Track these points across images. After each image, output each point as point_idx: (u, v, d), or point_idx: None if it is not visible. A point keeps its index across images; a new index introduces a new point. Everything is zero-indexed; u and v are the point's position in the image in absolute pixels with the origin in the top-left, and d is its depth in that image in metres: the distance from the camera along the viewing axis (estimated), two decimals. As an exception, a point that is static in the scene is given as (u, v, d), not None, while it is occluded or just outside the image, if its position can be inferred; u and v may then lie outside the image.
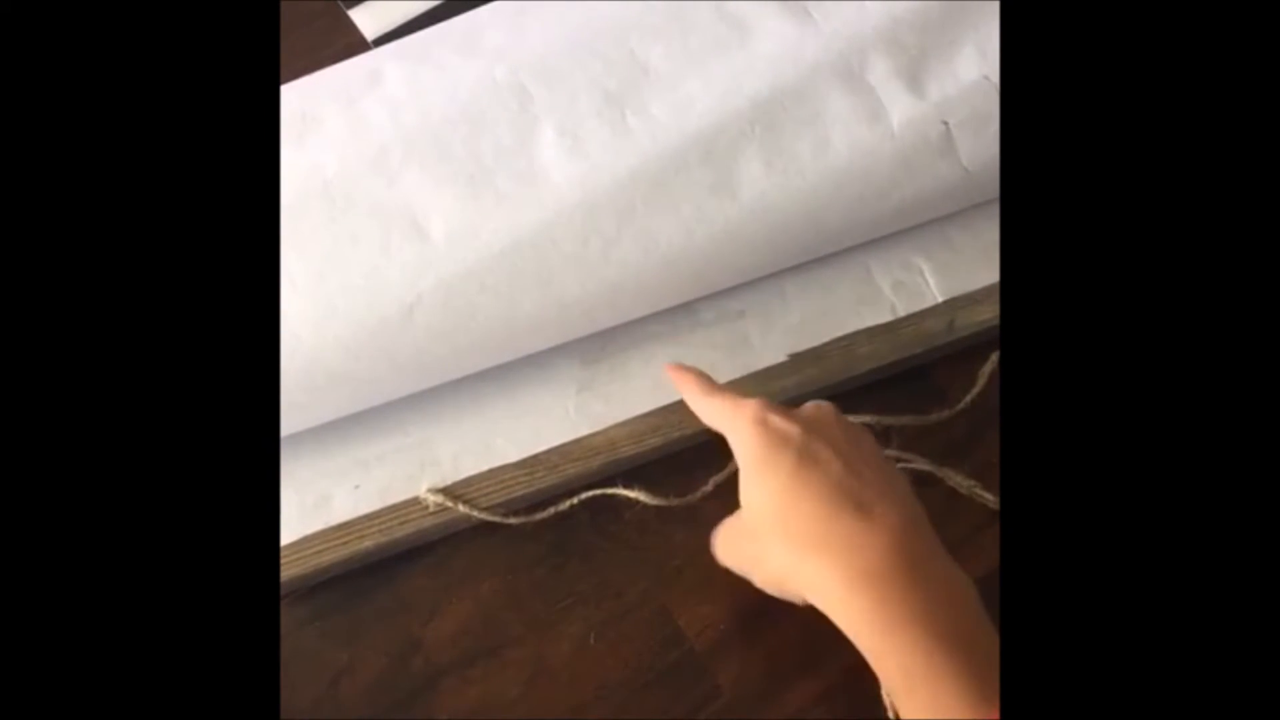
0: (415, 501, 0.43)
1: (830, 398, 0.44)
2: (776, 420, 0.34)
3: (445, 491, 0.43)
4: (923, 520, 0.33)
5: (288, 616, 0.43)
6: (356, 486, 0.44)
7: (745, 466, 0.35)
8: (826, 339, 0.45)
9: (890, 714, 0.38)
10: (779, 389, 0.44)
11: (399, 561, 0.44)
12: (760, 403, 0.35)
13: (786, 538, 0.33)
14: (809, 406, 0.36)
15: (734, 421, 0.36)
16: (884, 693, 0.38)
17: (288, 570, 0.42)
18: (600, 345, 0.46)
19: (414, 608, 0.43)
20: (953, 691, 0.30)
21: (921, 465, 0.43)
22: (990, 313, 0.45)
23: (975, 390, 0.44)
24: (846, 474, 0.33)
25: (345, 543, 0.42)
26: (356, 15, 0.56)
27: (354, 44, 0.55)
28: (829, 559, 0.32)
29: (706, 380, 0.38)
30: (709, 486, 0.43)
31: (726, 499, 0.43)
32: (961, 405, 0.44)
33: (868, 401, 0.44)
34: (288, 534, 0.42)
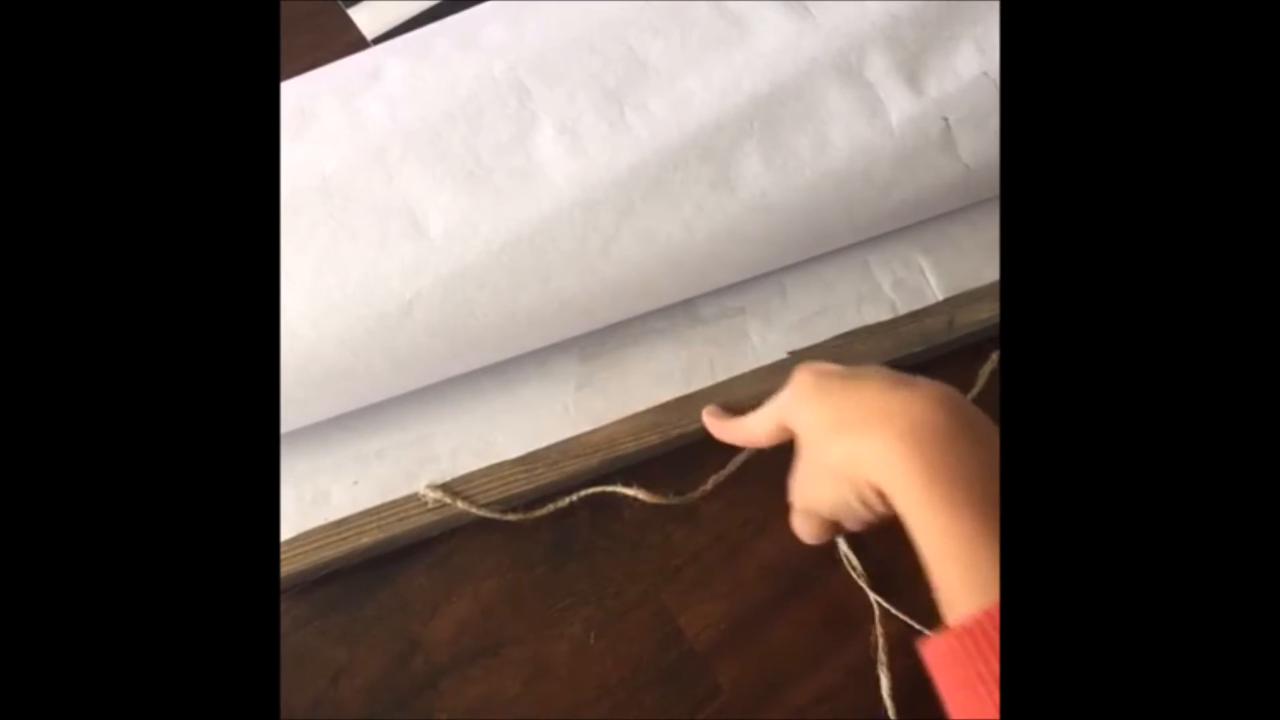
0: (414, 498, 0.43)
1: (830, 395, 0.44)
2: (822, 364, 0.37)
3: (444, 488, 0.43)
4: (967, 401, 0.35)
5: (287, 615, 0.43)
6: (355, 482, 0.44)
7: (798, 401, 0.36)
8: (826, 336, 0.45)
9: (890, 716, 0.38)
10: (778, 386, 0.44)
11: (398, 560, 0.44)
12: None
13: (844, 426, 0.34)
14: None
15: (786, 389, 0.37)
16: (884, 694, 0.38)
17: (286, 566, 0.42)
18: (599, 341, 0.46)
19: (413, 606, 0.43)
20: (987, 554, 0.30)
21: (922, 463, 0.43)
22: (991, 311, 0.45)
23: (975, 389, 0.44)
24: (894, 374, 0.35)
25: (344, 539, 0.42)
26: (356, 14, 0.56)
27: (353, 42, 0.55)
28: (884, 425, 0.33)
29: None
30: (709, 485, 0.43)
31: (726, 498, 0.43)
32: (962, 403, 0.44)
33: (868, 399, 0.44)
34: (286, 530, 0.42)
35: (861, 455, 0.33)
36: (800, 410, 0.36)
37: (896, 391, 0.33)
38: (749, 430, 0.40)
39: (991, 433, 0.33)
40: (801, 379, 0.36)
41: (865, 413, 0.33)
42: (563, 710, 0.40)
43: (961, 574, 0.30)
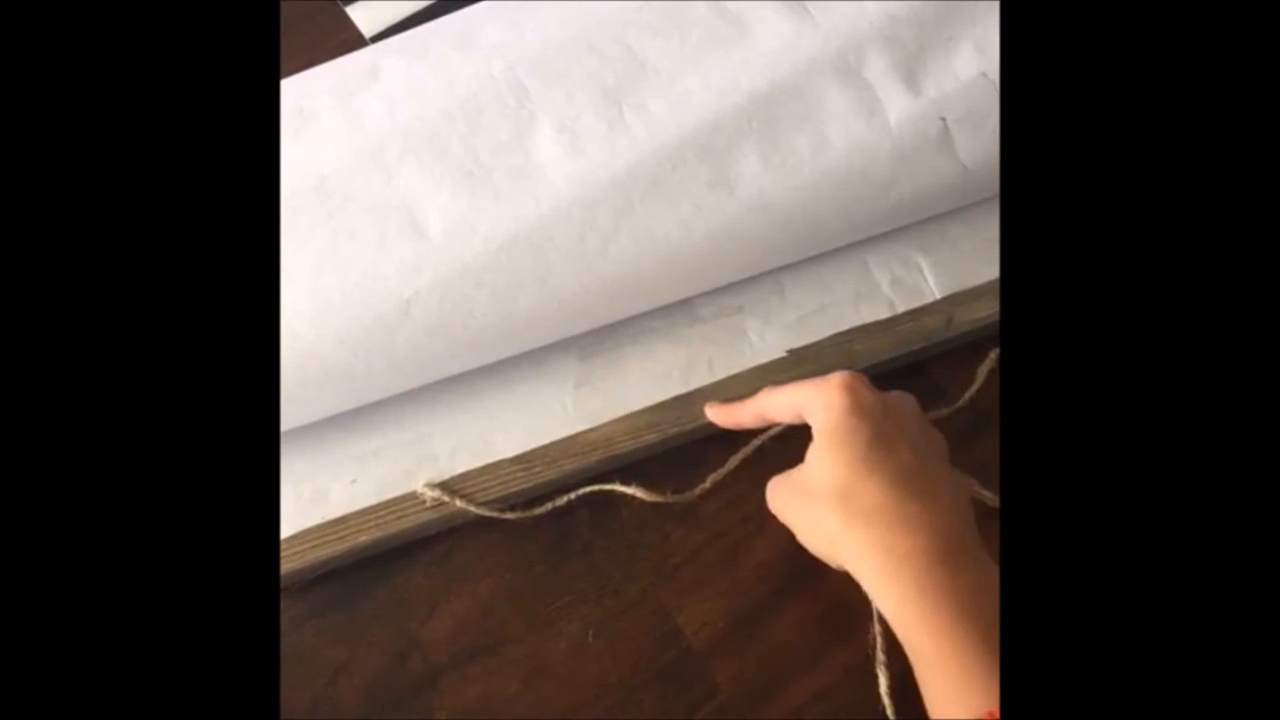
0: (412, 496, 0.43)
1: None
2: (864, 390, 0.36)
3: (442, 486, 0.43)
4: (971, 515, 0.35)
5: (285, 614, 0.43)
6: (353, 481, 0.44)
7: (822, 432, 0.36)
8: (825, 335, 0.45)
9: (888, 714, 0.38)
10: (776, 385, 0.44)
11: (397, 559, 0.44)
12: (850, 372, 0.37)
13: (846, 509, 0.35)
14: (894, 393, 0.38)
15: (820, 387, 0.37)
16: (882, 691, 0.38)
17: (284, 565, 0.42)
18: (598, 340, 0.46)
19: (412, 605, 0.43)
20: (980, 667, 0.31)
21: (920, 462, 0.43)
22: (989, 309, 0.45)
23: (974, 387, 0.44)
24: (916, 464, 0.35)
25: (342, 538, 0.42)
26: (354, 12, 0.56)
27: (351, 41, 0.55)
28: (883, 536, 0.34)
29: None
30: (707, 484, 0.43)
31: (725, 497, 0.44)
32: (960, 402, 0.44)
33: (866, 398, 0.44)
34: (284, 528, 0.42)
35: (853, 547, 0.34)
36: (818, 449, 0.36)
37: (906, 505, 0.34)
38: (762, 408, 0.40)
39: (976, 549, 0.34)
40: (840, 399, 0.36)
41: (874, 510, 0.34)
42: (561, 709, 0.40)
43: (953, 686, 0.32)
